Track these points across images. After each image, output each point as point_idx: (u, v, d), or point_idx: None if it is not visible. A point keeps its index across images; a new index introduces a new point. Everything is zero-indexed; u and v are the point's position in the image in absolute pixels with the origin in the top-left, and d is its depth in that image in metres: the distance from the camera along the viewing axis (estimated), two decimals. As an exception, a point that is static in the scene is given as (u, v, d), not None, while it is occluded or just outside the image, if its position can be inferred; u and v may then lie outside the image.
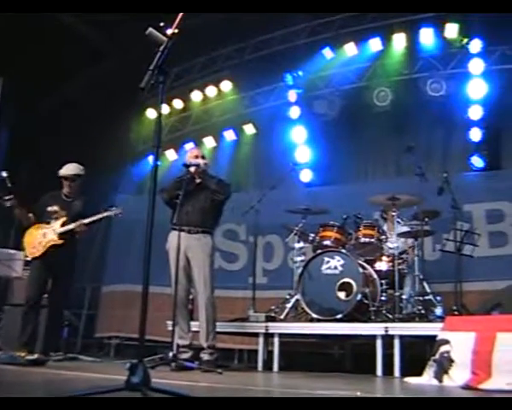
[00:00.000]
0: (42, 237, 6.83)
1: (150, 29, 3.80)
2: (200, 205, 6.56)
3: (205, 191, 6.58)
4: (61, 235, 6.80)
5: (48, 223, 6.92)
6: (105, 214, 6.86)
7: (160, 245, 8.81)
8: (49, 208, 6.96)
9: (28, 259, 7.17)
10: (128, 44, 10.07)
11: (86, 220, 6.78)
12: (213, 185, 6.56)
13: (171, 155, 11.95)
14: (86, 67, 11.14)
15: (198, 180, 6.61)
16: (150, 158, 10.98)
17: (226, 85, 11.47)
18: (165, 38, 3.72)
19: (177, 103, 11.94)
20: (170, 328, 6.56)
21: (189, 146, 11.78)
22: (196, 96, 11.76)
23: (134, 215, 8.53)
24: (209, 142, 11.71)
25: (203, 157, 6.79)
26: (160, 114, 3.76)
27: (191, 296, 6.86)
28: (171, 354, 6.09)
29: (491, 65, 9.47)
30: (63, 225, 6.83)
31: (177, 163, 10.22)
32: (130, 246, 10.77)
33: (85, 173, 7.18)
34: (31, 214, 7.02)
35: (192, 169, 6.52)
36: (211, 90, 11.61)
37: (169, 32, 3.77)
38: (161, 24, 3.86)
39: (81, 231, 6.89)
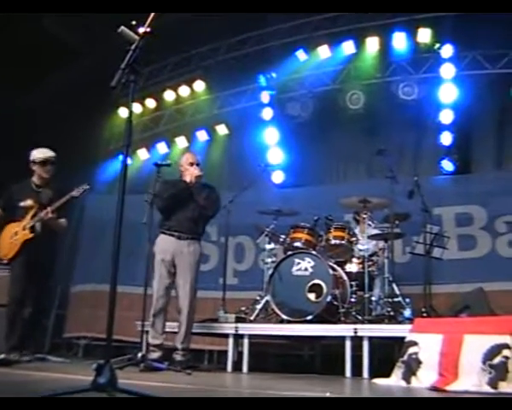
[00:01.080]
0: (13, 235, 6.64)
1: (122, 27, 3.78)
2: (190, 214, 6.58)
3: (195, 202, 6.59)
4: (31, 229, 6.59)
5: (19, 220, 6.69)
6: (71, 194, 6.65)
7: (130, 245, 8.82)
8: (23, 204, 6.71)
9: (4, 261, 6.88)
10: (102, 42, 9.98)
11: (52, 207, 6.56)
12: (202, 201, 6.59)
13: (142, 154, 11.89)
14: (58, 65, 11.00)
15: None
16: (121, 157, 10.89)
17: (199, 85, 11.43)
18: (136, 37, 3.70)
19: (150, 102, 11.86)
20: (139, 328, 6.53)
21: (161, 146, 11.79)
22: (169, 95, 11.70)
23: (104, 214, 8.48)
24: (181, 142, 11.66)
25: (198, 164, 6.77)
26: (130, 113, 3.73)
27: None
28: (140, 354, 6.06)
29: (462, 70, 9.57)
30: (33, 217, 6.61)
31: (149, 162, 10.18)
32: (100, 245, 10.66)
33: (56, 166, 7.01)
34: None
35: (188, 179, 6.57)
36: (184, 90, 11.55)
37: (141, 30, 3.74)
38: (133, 22, 3.83)
39: (54, 222, 6.66)
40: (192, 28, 10.05)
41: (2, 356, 6.18)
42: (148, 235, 6.43)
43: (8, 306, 6.62)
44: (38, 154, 6.84)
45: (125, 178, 3.58)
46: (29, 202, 6.71)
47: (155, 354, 6.38)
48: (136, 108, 11.66)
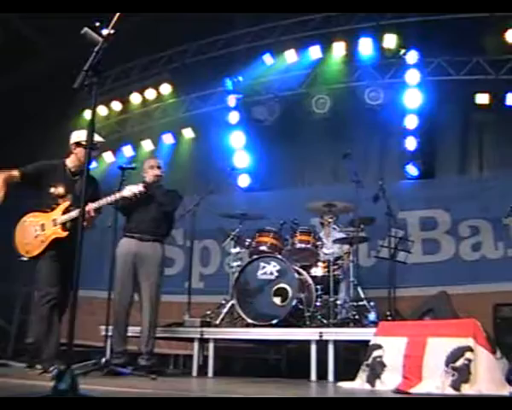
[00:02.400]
0: (39, 229, 5.75)
1: (86, 29, 3.74)
2: (151, 214, 6.55)
3: (156, 203, 6.56)
4: (64, 226, 5.72)
5: (47, 210, 5.80)
6: (122, 194, 5.92)
7: (95, 249, 8.74)
8: (53, 190, 5.84)
9: (24, 259, 5.81)
10: (67, 43, 9.86)
11: (95, 204, 5.73)
12: (160, 198, 6.55)
13: (108, 157, 11.75)
14: (24, 65, 10.85)
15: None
16: (90, 160, 10.76)
17: (166, 88, 11.34)
18: (100, 39, 3.66)
19: (116, 105, 11.73)
20: (103, 333, 6.45)
21: (127, 149, 11.69)
22: (135, 98, 11.57)
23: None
24: (147, 145, 11.56)
25: (159, 167, 6.72)
26: (93, 116, 3.68)
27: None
28: (103, 359, 5.99)
29: (426, 76, 9.66)
30: (65, 211, 5.76)
31: (115, 166, 10.07)
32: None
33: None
34: (16, 172, 5.83)
35: (147, 180, 6.55)
36: (150, 93, 11.44)
37: (105, 32, 3.70)
38: (97, 24, 3.79)
39: (90, 220, 5.70)
40: (159, 31, 10.00)
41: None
42: (113, 238, 6.36)
43: (42, 305, 5.73)
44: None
45: (86, 182, 3.55)
46: (61, 191, 5.84)
47: (119, 360, 6.31)
48: (102, 110, 11.55)
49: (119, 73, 11.60)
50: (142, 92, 11.51)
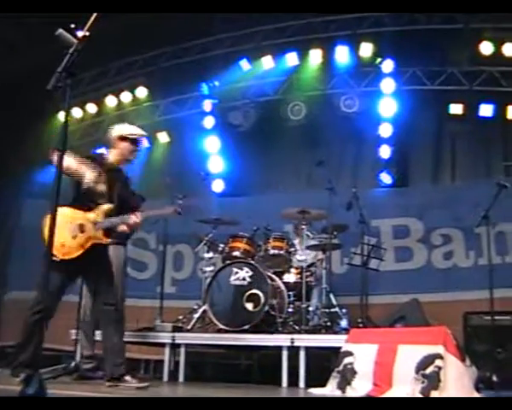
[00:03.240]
0: (77, 230, 5.14)
1: (60, 30, 3.70)
2: None
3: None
4: (107, 232, 5.26)
5: (83, 208, 5.23)
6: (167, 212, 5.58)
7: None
8: (98, 187, 5.27)
9: (56, 259, 4.93)
10: (45, 43, 9.77)
11: (149, 213, 5.40)
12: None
13: (82, 160, 11.65)
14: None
15: None
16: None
17: (141, 92, 11.28)
18: (75, 41, 3.63)
19: (91, 108, 11.64)
20: (73, 337, 6.38)
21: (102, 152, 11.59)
22: (111, 101, 11.50)
23: (39, 220, 8.25)
24: (122, 148, 11.48)
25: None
26: (66, 118, 3.65)
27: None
28: (73, 363, 5.93)
29: (401, 85, 9.75)
30: (107, 214, 5.26)
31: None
32: (35, 252, 10.38)
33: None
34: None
35: None
36: (126, 96, 11.37)
37: (80, 34, 3.67)
38: (72, 25, 3.76)
39: (133, 227, 5.36)
40: (135, 34, 9.95)
41: None
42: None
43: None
44: (131, 128, 5.62)
45: (59, 185, 3.51)
46: (102, 188, 5.29)
47: (89, 364, 6.24)
48: (77, 112, 11.46)
49: (95, 76, 11.51)
50: (117, 95, 11.43)
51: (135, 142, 5.53)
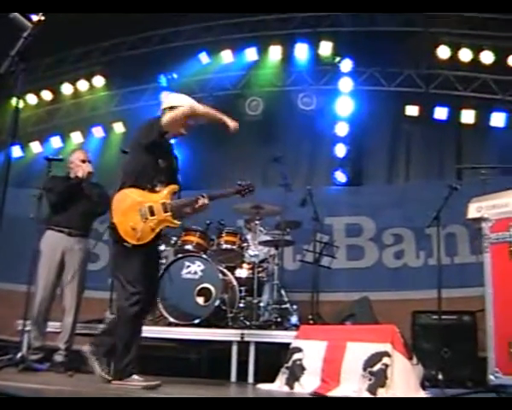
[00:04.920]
0: (148, 213, 4.78)
1: (15, 13, 3.61)
2: (81, 209, 6.34)
3: (86, 198, 6.36)
4: (174, 214, 4.88)
5: (148, 187, 4.84)
6: (232, 191, 5.39)
7: (15, 240, 8.45)
8: (160, 162, 4.94)
9: (128, 245, 4.70)
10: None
11: (216, 193, 5.26)
12: (95, 197, 6.35)
13: (35, 147, 11.45)
14: None
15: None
16: (12, 149, 10.46)
17: (99, 81, 11.14)
18: (30, 25, 3.55)
19: (46, 94, 11.42)
20: (20, 328, 6.26)
21: (56, 140, 11.41)
22: (67, 88, 11.31)
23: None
24: (76, 137, 11.33)
25: (90, 162, 6.48)
26: (17, 104, 3.57)
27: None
28: (19, 354, 5.82)
29: (359, 85, 9.85)
30: (173, 194, 4.96)
31: (42, 156, 9.81)
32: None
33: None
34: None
35: (80, 174, 6.31)
36: (82, 84, 11.21)
37: (35, 18, 3.60)
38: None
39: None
40: (94, 21, 9.78)
41: None
42: (37, 230, 6.18)
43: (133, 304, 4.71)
44: (185, 99, 5.09)
45: (8, 172, 3.43)
46: (164, 165, 4.98)
47: (37, 355, 6.14)
48: (32, 99, 11.27)
49: (52, 63, 11.31)
50: (74, 83, 11.27)
51: (186, 114, 5.00)
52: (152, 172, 4.86)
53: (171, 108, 4.96)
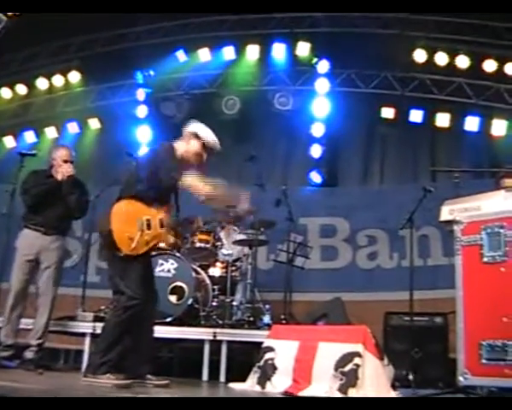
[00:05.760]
0: (144, 225, 4.79)
1: (-12, 6, 3.57)
2: (58, 211, 6.25)
3: (64, 202, 6.26)
4: (175, 233, 5.18)
5: (147, 201, 4.86)
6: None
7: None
8: (176, 183, 5.02)
9: (120, 254, 4.77)
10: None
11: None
12: (72, 203, 6.25)
13: (9, 141, 11.34)
14: None
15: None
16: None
17: (74, 76, 11.04)
18: (4, 17, 3.51)
19: (21, 89, 11.28)
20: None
21: (30, 134, 11.30)
22: (42, 83, 11.19)
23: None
24: (51, 132, 11.25)
25: (72, 162, 6.34)
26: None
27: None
28: (-12, 352, 5.76)
29: (336, 86, 9.90)
30: (168, 213, 4.99)
31: (15, 151, 9.71)
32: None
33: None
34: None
35: (59, 177, 6.20)
36: (58, 79, 11.11)
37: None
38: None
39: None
40: (70, 16, 9.70)
41: None
42: (7, 226, 6.10)
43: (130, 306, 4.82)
44: (210, 134, 5.32)
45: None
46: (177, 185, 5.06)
47: (7, 352, 6.06)
48: (6, 92, 11.13)
49: (27, 57, 11.18)
50: (49, 78, 11.15)
51: (205, 148, 5.27)
52: (155, 195, 4.90)
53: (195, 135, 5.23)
